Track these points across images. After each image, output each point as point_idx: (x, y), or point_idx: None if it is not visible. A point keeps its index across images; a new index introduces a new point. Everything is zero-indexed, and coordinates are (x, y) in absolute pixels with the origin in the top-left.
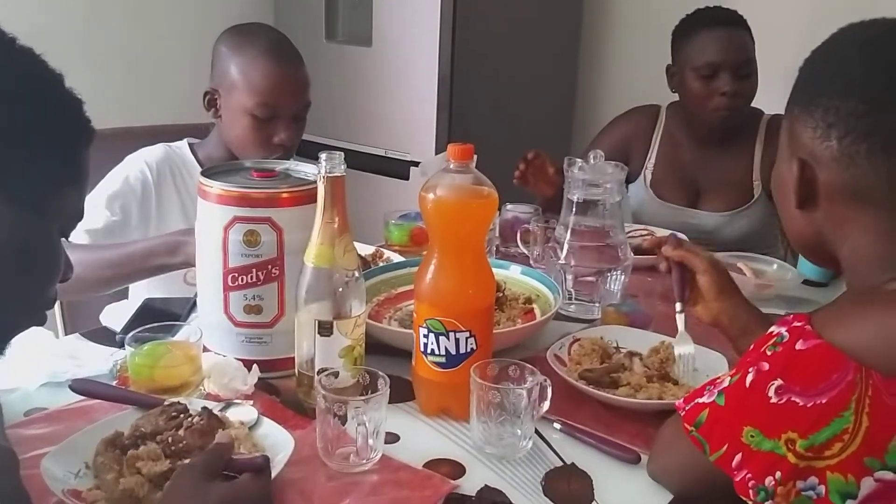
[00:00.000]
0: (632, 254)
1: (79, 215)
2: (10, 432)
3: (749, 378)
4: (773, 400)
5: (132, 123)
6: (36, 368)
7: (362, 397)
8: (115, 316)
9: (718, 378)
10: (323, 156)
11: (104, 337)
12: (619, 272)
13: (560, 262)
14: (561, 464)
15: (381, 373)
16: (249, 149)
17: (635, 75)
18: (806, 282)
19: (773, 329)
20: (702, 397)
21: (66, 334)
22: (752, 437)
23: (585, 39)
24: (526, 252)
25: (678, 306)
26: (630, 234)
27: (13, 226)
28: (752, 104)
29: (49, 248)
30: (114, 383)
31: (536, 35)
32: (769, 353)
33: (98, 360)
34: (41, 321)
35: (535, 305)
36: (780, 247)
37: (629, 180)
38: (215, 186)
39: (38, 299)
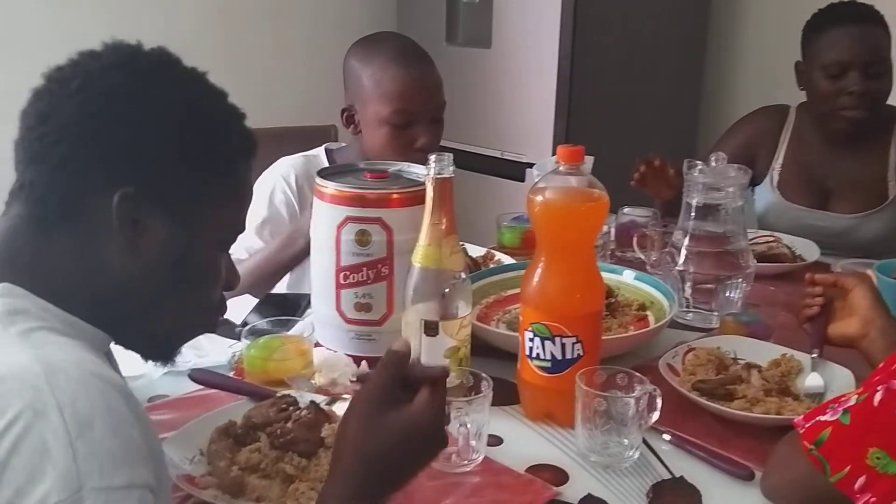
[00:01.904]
0: (754, 261)
1: (240, 228)
2: None
3: (878, 397)
4: None
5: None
6: None
7: (465, 398)
8: (236, 310)
9: (844, 396)
10: (432, 157)
11: (225, 329)
12: (739, 280)
13: (677, 268)
14: (669, 476)
15: (484, 375)
16: (391, 158)
17: (766, 75)
18: None
19: None
20: (824, 415)
21: None
22: (877, 458)
23: (713, 38)
24: (642, 257)
25: (814, 352)
26: (754, 241)
27: (166, 236)
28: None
29: (203, 259)
30: (230, 374)
31: (660, 35)
32: None
33: (218, 352)
34: (212, 327)
35: (648, 312)
36: None
37: (755, 182)
38: (330, 187)
39: (200, 308)
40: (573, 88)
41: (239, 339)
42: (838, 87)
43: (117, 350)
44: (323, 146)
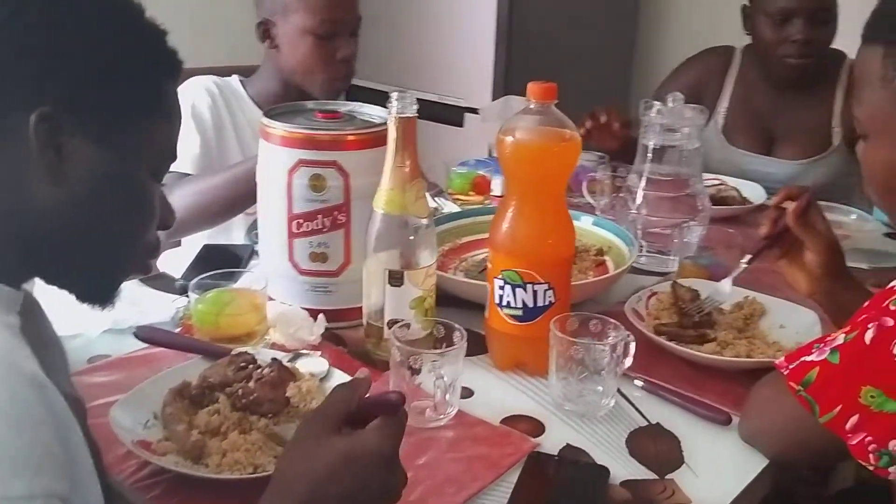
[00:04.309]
0: (710, 204)
1: (171, 155)
2: (74, 379)
3: (869, 335)
4: None
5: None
6: (98, 314)
7: (438, 350)
8: (173, 262)
9: (829, 336)
10: (394, 95)
11: (163, 283)
12: (696, 223)
13: (633, 212)
14: (645, 423)
15: (457, 325)
16: (315, 70)
17: (699, 18)
18: (888, 234)
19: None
20: (809, 355)
21: None
22: (872, 397)
23: None
24: (593, 202)
25: (747, 258)
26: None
27: (92, 161)
28: (833, 45)
29: (134, 187)
30: (177, 331)
31: None
32: (893, 307)
33: (160, 307)
34: (144, 269)
35: (607, 257)
36: (858, 198)
37: None
38: (279, 128)
39: (132, 244)
40: (512, 28)
41: (181, 294)
42: (783, 34)
43: (52, 306)
44: (234, 75)
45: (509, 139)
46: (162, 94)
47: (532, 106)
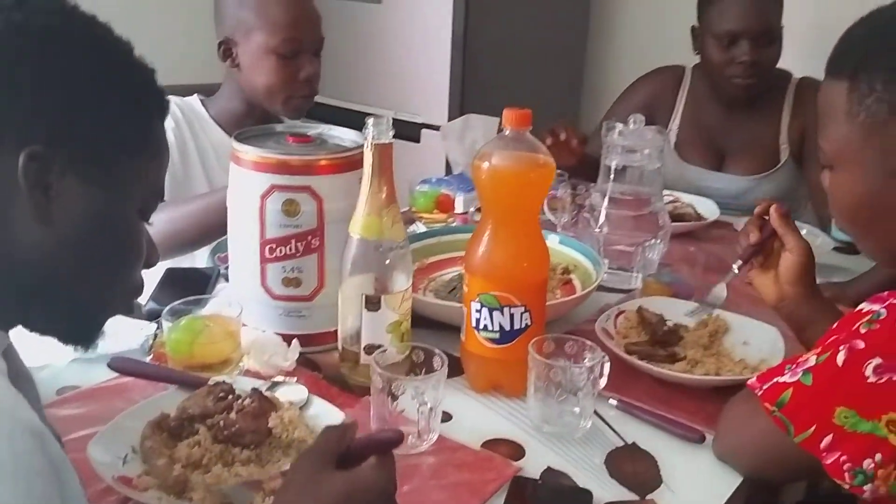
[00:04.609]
0: (670, 221)
1: (159, 194)
2: (46, 412)
3: (841, 357)
4: (872, 379)
5: None
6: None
7: (419, 377)
8: None
9: (800, 356)
10: (370, 121)
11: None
12: (657, 241)
13: (596, 230)
14: (622, 443)
15: (436, 350)
16: (278, 90)
17: (647, 38)
18: (837, 248)
19: (864, 306)
20: (782, 376)
21: None
22: (845, 418)
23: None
24: (553, 220)
25: (738, 263)
26: None
27: (81, 201)
28: (780, 65)
29: (123, 227)
30: (147, 359)
31: None
32: (863, 330)
33: (128, 334)
34: (128, 309)
35: (573, 276)
36: (806, 213)
37: None
38: (251, 153)
39: (119, 284)
40: (467, 46)
41: (149, 319)
42: (729, 55)
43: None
44: (195, 95)
45: (486, 165)
46: (151, 132)
47: (507, 132)
